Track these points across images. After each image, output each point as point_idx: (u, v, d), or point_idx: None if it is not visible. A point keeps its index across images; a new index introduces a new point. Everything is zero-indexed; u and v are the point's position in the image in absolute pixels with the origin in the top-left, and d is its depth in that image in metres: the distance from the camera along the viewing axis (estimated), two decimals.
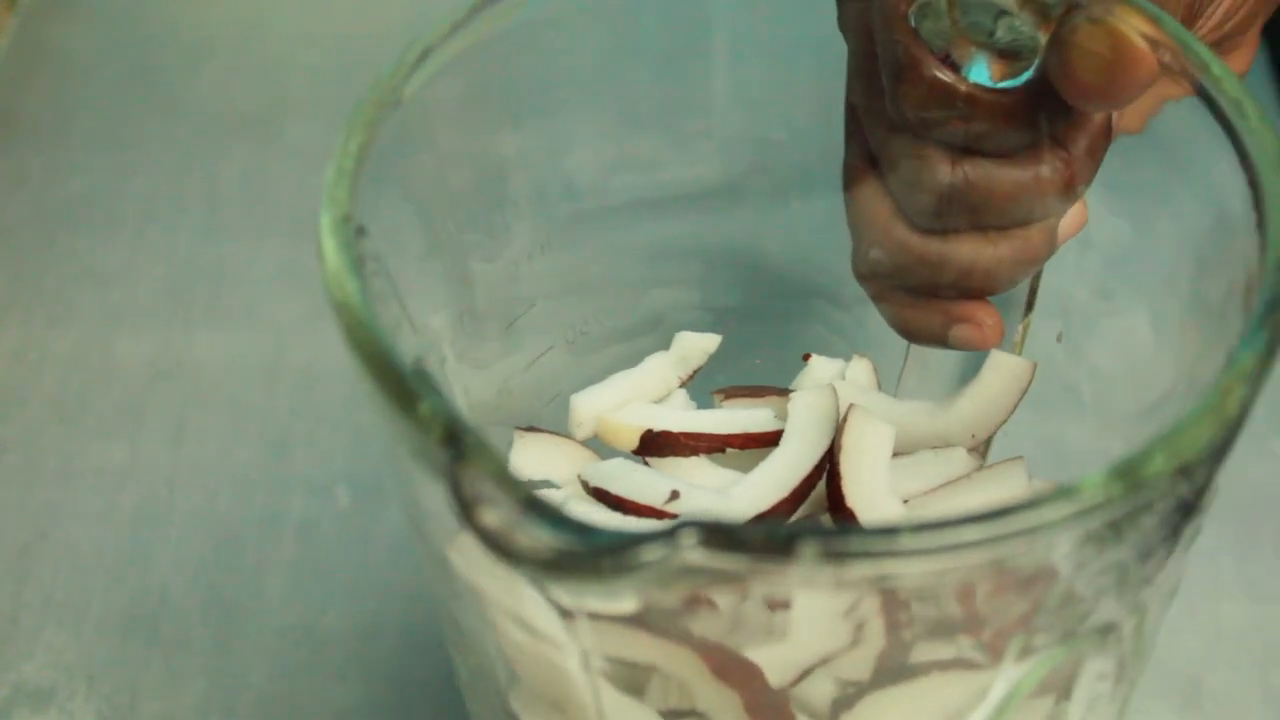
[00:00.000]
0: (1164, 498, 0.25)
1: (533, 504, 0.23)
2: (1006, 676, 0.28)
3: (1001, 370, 0.36)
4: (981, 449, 0.37)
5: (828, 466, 0.34)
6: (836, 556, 0.23)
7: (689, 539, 0.22)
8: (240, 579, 0.46)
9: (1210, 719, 0.42)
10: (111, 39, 0.62)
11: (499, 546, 0.23)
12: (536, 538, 0.23)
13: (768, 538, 0.23)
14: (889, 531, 0.23)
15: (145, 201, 0.56)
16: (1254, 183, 0.28)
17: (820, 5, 0.33)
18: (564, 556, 0.23)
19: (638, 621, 0.26)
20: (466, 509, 0.23)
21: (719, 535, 0.22)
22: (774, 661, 0.28)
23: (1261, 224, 0.27)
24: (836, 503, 0.34)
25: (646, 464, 0.36)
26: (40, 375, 0.51)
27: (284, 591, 0.45)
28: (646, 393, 0.37)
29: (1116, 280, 0.35)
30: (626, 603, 0.25)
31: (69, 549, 0.46)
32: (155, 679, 0.44)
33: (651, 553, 0.22)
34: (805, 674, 0.29)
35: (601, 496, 0.34)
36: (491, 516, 0.23)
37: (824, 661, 0.28)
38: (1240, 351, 0.26)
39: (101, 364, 0.51)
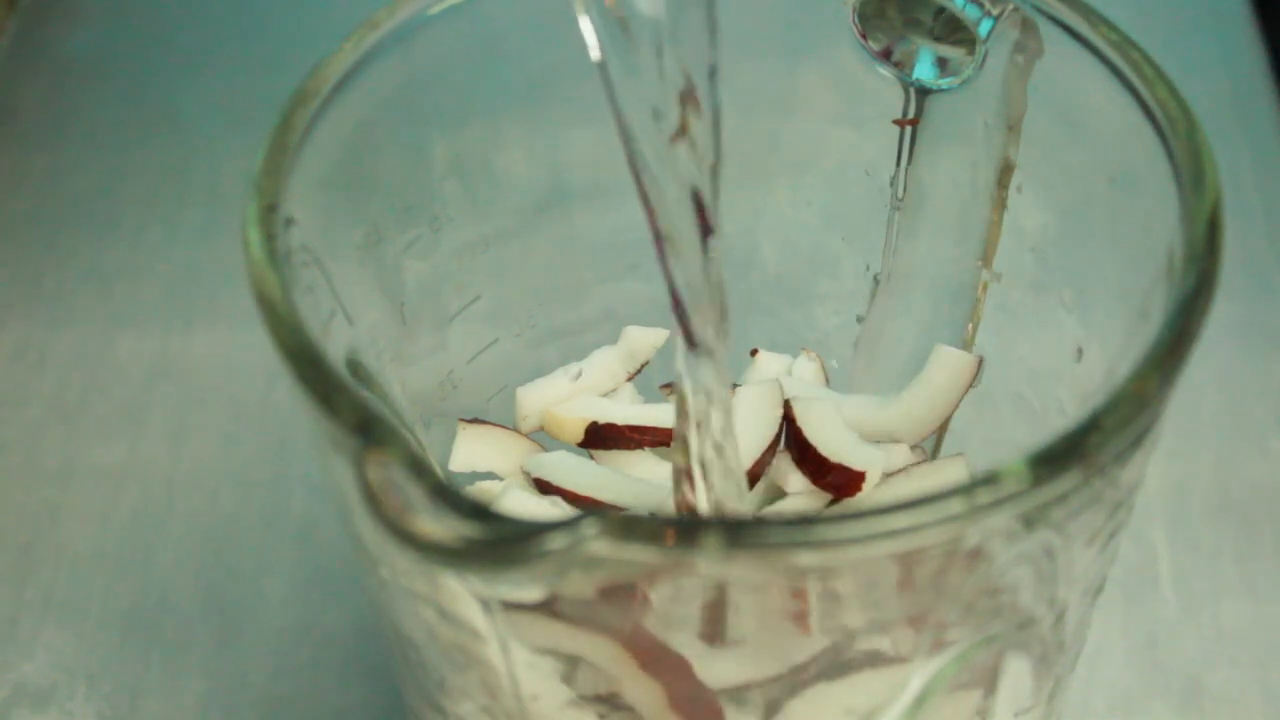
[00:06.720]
0: (1079, 489, 0.25)
1: (440, 491, 0.23)
2: (923, 670, 0.28)
3: (945, 365, 0.36)
4: (930, 447, 0.37)
5: (775, 455, 0.34)
6: (740, 547, 0.22)
7: (590, 529, 0.22)
8: (240, 579, 0.46)
9: (1210, 719, 0.42)
10: (111, 39, 0.62)
11: (404, 534, 0.23)
12: (442, 525, 0.23)
13: (668, 528, 0.22)
14: (795, 522, 0.23)
15: (145, 201, 0.56)
16: (1180, 182, 0.28)
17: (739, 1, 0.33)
18: (468, 544, 0.23)
19: (554, 611, 0.26)
20: (372, 495, 0.23)
21: (620, 525, 0.22)
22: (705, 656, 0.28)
23: (1185, 217, 0.27)
24: (814, 462, 0.34)
25: (591, 457, 0.36)
26: (40, 375, 0.51)
27: (284, 591, 0.45)
28: (593, 386, 0.37)
29: (1047, 273, 0.35)
30: (533, 592, 0.24)
31: (69, 549, 0.46)
32: (155, 679, 0.44)
33: (554, 542, 0.22)
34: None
35: (543, 488, 0.34)
36: (397, 503, 0.23)
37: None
38: (1157, 341, 0.26)
39: (101, 364, 0.51)
